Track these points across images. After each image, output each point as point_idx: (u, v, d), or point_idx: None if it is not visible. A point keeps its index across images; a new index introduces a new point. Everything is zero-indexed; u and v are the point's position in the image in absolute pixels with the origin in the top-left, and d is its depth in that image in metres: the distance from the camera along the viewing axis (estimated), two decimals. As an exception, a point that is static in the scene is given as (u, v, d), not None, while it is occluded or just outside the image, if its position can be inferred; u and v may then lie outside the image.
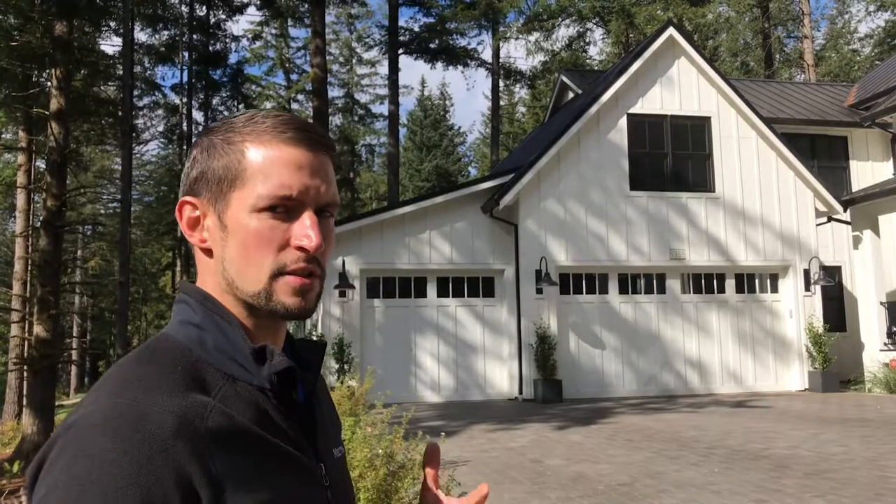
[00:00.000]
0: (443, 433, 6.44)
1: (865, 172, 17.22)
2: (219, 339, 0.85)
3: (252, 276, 0.85)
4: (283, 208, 0.85)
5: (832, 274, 15.48)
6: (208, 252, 0.89)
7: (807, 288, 14.53)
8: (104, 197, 37.43)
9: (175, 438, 0.73)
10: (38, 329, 15.01)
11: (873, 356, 13.95)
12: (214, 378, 0.82)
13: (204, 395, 0.79)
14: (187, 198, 0.89)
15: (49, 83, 16.71)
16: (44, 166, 17.22)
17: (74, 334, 35.26)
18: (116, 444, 0.72)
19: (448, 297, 14.36)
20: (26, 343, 17.19)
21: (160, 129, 32.97)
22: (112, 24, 20.66)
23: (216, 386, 0.81)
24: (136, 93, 26.10)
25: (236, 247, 0.86)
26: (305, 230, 0.86)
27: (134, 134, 23.95)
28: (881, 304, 14.12)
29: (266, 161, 0.86)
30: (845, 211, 14.83)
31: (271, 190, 0.85)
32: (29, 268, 18.72)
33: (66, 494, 0.70)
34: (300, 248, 0.85)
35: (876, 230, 14.50)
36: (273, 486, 0.78)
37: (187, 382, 0.79)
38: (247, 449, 0.78)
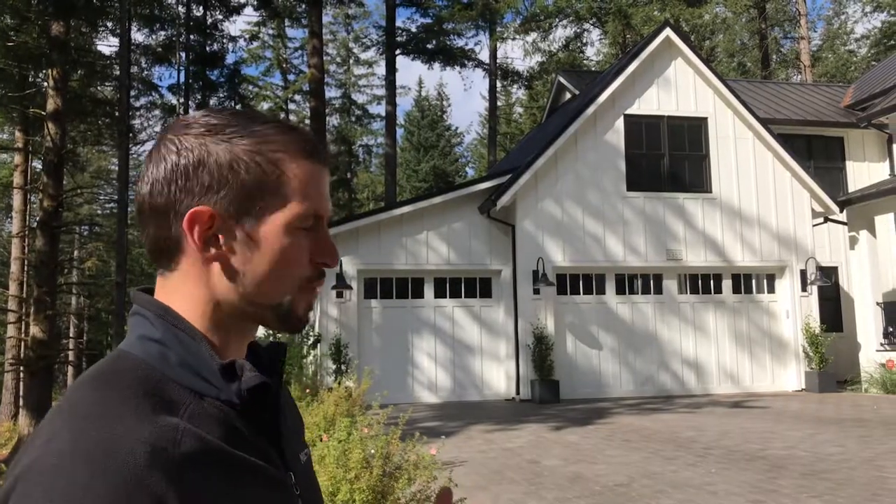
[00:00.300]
0: (443, 436, 6.45)
1: (862, 173, 17.25)
2: (182, 355, 0.81)
3: (278, 289, 0.85)
4: (313, 225, 0.87)
5: (829, 274, 15.50)
6: (210, 262, 0.84)
7: (803, 288, 14.55)
8: (101, 197, 37.39)
9: (150, 469, 0.69)
10: (34, 330, 15.00)
11: (870, 356, 13.98)
12: (180, 396, 0.78)
13: (171, 416, 0.74)
14: (204, 208, 0.82)
15: (46, 83, 16.70)
16: (40, 167, 17.21)
17: (71, 335, 35.17)
18: (89, 484, 0.66)
19: (445, 297, 14.36)
20: (23, 344, 17.16)
21: (157, 129, 32.93)
22: (109, 24, 20.65)
23: (182, 404, 0.77)
24: (132, 93, 26.06)
25: (267, 262, 0.84)
26: (330, 247, 0.88)
27: (131, 134, 23.92)
28: (877, 304, 14.15)
29: (303, 178, 0.86)
30: (842, 211, 14.85)
31: (310, 210, 0.86)
32: (25, 268, 18.69)
33: None
34: (324, 264, 0.88)
35: (872, 231, 14.53)
36: (246, 502, 0.77)
37: (153, 404, 0.75)
38: (219, 469, 0.75)
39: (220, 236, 0.83)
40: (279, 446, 0.86)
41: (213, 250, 0.83)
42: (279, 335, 13.43)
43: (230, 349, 0.87)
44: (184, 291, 0.85)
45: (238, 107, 31.90)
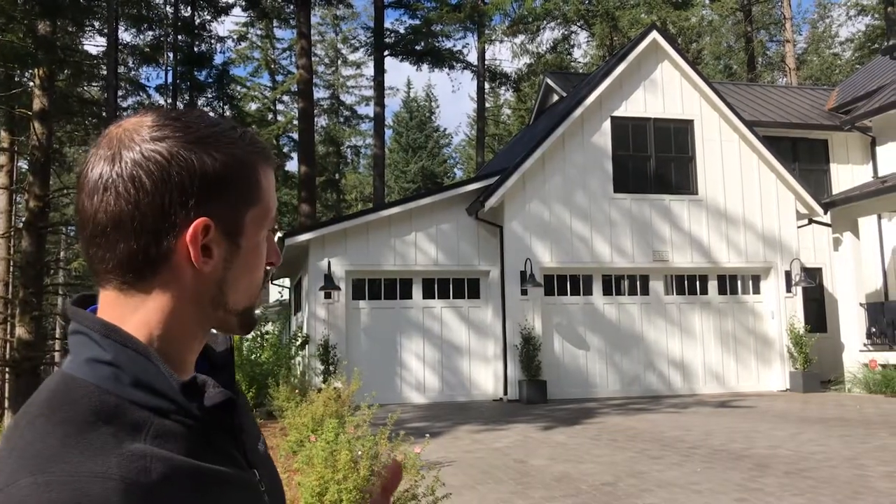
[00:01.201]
0: (427, 434, 6.48)
1: (846, 175, 17.43)
2: (136, 375, 0.77)
3: (246, 294, 0.86)
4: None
5: (813, 275, 15.66)
6: (201, 272, 0.82)
7: (788, 289, 14.69)
8: (87, 198, 37.11)
9: (127, 502, 0.67)
10: (20, 331, 14.91)
11: (853, 357, 14.13)
12: (139, 417, 0.75)
13: (135, 442, 0.72)
14: (204, 219, 0.80)
15: (32, 83, 16.61)
16: (26, 167, 17.10)
17: (57, 336, 34.94)
18: None
19: (434, 298, 14.40)
20: (8, 345, 17.06)
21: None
22: (96, 24, 20.57)
23: (143, 426, 0.74)
24: (120, 93, 25.94)
25: (244, 266, 0.85)
26: (276, 248, 0.90)
27: (118, 134, 23.75)
28: (861, 305, 14.30)
29: (268, 182, 0.88)
30: (826, 213, 15.00)
31: (273, 213, 0.89)
32: (11, 269, 18.58)
33: None
34: (270, 264, 0.90)
35: (856, 232, 14.69)
36: None
37: (113, 432, 0.72)
38: (190, 485, 0.74)
39: (212, 246, 0.81)
40: (241, 445, 0.85)
41: (206, 260, 0.81)
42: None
43: (188, 360, 0.85)
44: (154, 305, 0.81)
45: (226, 108, 31.69)
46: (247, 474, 0.84)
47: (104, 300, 0.82)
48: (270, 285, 23.20)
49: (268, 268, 0.89)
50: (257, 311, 0.90)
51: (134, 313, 0.81)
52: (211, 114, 0.90)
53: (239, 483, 0.81)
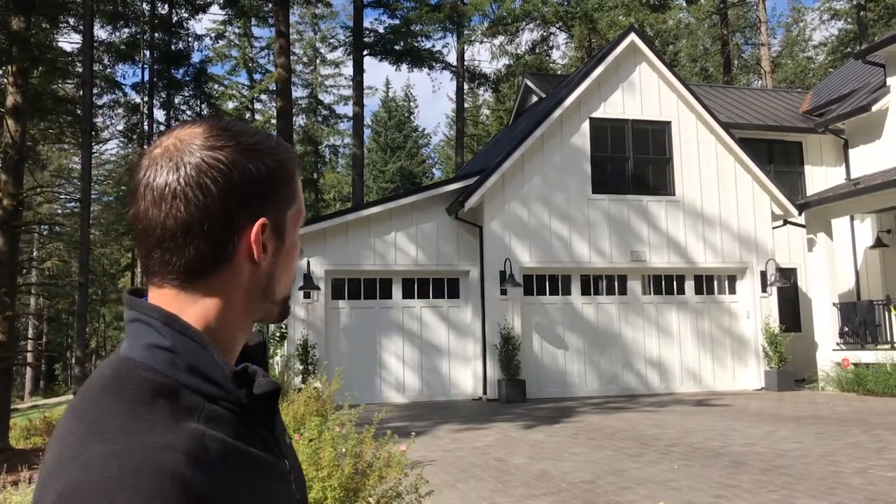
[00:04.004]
0: (413, 433, 6.49)
1: (819, 177, 17.70)
2: (191, 362, 0.83)
3: (286, 284, 0.95)
4: None
5: (788, 275, 15.89)
6: (259, 268, 0.89)
7: (763, 289, 14.89)
8: (62, 196, 36.69)
9: (193, 474, 0.73)
10: (-7, 331, 14.66)
11: (826, 356, 14.35)
12: (193, 401, 0.81)
13: (191, 422, 0.78)
14: (264, 220, 0.88)
15: (5, 80, 16.36)
16: None
17: (30, 336, 34.45)
18: (149, 501, 0.69)
19: (413, 298, 14.41)
20: (-19, 346, 16.77)
21: (120, 127, 32.44)
22: (71, 20, 20.30)
23: (197, 409, 0.80)
24: (95, 91, 25.63)
25: (288, 260, 0.94)
26: (298, 242, 0.99)
27: (94, 133, 23.53)
28: (834, 304, 14.53)
29: (300, 185, 0.97)
30: (800, 214, 15.22)
31: (304, 211, 0.98)
32: (-17, 269, 18.25)
33: None
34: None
35: (829, 233, 14.92)
36: (261, 496, 0.82)
37: (174, 412, 0.78)
38: (240, 466, 0.80)
39: (267, 243, 0.89)
40: (276, 436, 0.91)
41: (263, 256, 0.88)
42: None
43: (236, 348, 0.92)
44: (213, 298, 0.87)
45: (203, 106, 31.42)
46: (280, 463, 0.90)
47: (160, 296, 0.88)
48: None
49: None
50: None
51: (192, 306, 0.87)
52: (245, 124, 0.98)
53: (277, 471, 0.88)
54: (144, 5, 27.65)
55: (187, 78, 29.81)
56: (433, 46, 30.52)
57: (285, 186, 0.92)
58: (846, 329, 14.32)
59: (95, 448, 0.72)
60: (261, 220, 0.87)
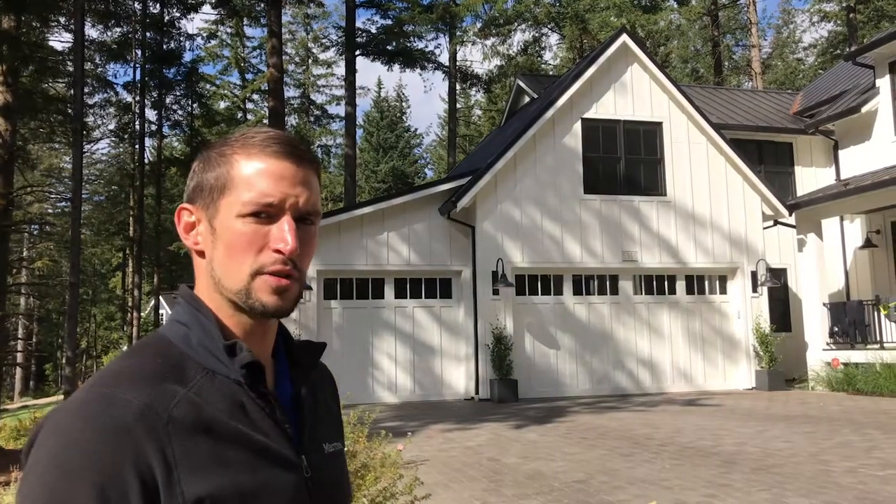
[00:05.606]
0: (409, 433, 6.50)
1: (809, 178, 17.80)
2: (202, 336, 0.93)
3: (235, 275, 0.94)
4: (266, 214, 0.94)
5: (778, 276, 15.96)
6: (201, 254, 0.98)
7: (754, 289, 14.97)
8: (52, 196, 36.50)
9: (136, 422, 0.82)
10: (-17, 331, 14.58)
11: (816, 355, 14.43)
12: (194, 371, 0.90)
13: (178, 386, 0.87)
14: (185, 205, 0.99)
15: (-5, 79, 16.25)
16: (-10, 164, 16.72)
17: (20, 336, 34.26)
18: (83, 424, 0.81)
19: (406, 298, 14.41)
20: (-30, 346, 16.67)
21: (111, 127, 32.31)
22: (61, 19, 20.22)
23: (194, 378, 0.89)
24: (86, 90, 25.52)
25: (223, 248, 0.95)
26: (283, 234, 0.94)
27: (84, 132, 23.42)
28: (824, 305, 14.61)
29: (252, 172, 0.95)
30: (790, 215, 15.30)
31: (254, 197, 0.94)
32: (-27, 268, 18.15)
33: (38, 468, 0.81)
34: (277, 251, 0.94)
35: (819, 234, 15.01)
36: (232, 470, 0.85)
37: (164, 374, 0.87)
38: (208, 437, 0.85)
39: (196, 229, 0.98)
40: (296, 429, 0.97)
41: (191, 240, 0.99)
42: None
43: (249, 336, 0.97)
44: (197, 281, 1.01)
45: (195, 105, 31.33)
46: (283, 450, 0.92)
47: None
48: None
49: (275, 254, 0.94)
50: (269, 299, 1.01)
51: (197, 287, 1.01)
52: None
53: (266, 453, 0.90)
54: (136, 4, 27.56)
55: (179, 77, 29.68)
56: (425, 47, 30.39)
57: (219, 174, 0.97)
58: (836, 329, 14.41)
59: (87, 387, 0.87)
60: (179, 208, 0.99)
